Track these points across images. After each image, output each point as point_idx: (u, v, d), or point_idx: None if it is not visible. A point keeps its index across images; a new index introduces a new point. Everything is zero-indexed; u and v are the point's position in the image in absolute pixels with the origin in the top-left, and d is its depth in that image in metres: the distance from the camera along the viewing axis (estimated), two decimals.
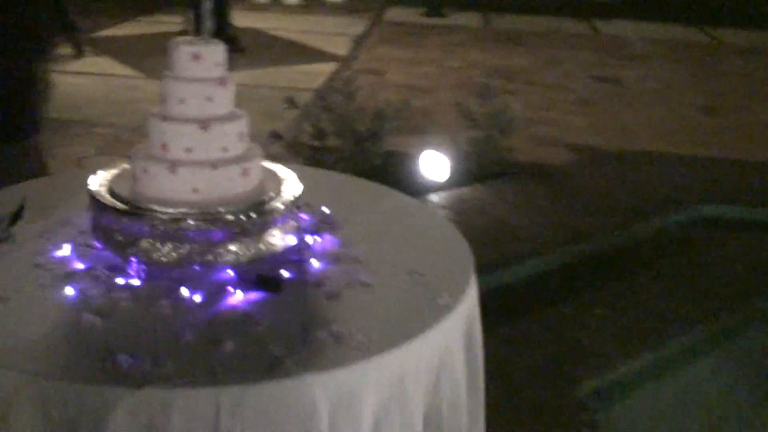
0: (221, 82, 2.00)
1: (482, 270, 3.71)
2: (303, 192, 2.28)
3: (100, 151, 5.73)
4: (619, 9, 12.87)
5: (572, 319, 3.62)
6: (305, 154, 4.81)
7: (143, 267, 1.94)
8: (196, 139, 1.96)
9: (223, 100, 2.01)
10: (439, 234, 2.36)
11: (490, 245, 3.96)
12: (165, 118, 1.98)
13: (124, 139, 5.88)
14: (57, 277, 1.93)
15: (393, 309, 1.90)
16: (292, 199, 2.09)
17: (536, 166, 5.41)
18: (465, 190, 4.62)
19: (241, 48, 9.06)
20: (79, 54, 3.80)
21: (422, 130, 6.32)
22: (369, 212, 2.46)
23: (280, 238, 2.08)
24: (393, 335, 1.79)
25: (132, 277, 1.93)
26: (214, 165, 1.97)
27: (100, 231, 2.00)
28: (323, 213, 2.36)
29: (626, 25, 12.02)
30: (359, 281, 2.01)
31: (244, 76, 8.03)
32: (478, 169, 4.95)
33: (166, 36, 9.41)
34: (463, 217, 4.24)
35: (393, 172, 4.77)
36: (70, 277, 1.91)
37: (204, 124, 1.96)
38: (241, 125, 2.04)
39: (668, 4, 13.13)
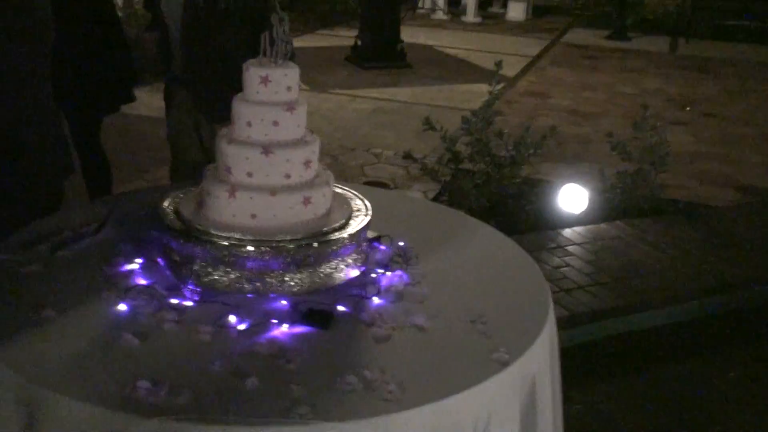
0: (289, 107, 1.95)
1: (606, 315, 3.51)
2: (385, 221, 2.21)
3: None
4: None
5: (700, 380, 3.27)
6: (439, 178, 4.71)
7: (197, 290, 1.93)
8: (258, 163, 1.92)
9: (290, 126, 1.96)
10: (523, 279, 2.18)
11: (620, 288, 3.67)
12: (231, 140, 1.96)
13: None
14: (117, 291, 1.95)
15: (439, 360, 1.77)
16: (356, 231, 2.00)
17: (692, 206, 4.99)
18: (604, 227, 4.33)
19: (407, 64, 9.12)
20: None
21: (574, 158, 6.05)
22: (452, 248, 2.33)
23: (340, 271, 2.00)
24: (430, 389, 1.65)
25: (185, 299, 1.93)
26: (273, 191, 1.92)
27: (164, 250, 2.01)
28: (399, 246, 2.26)
29: None
30: (414, 324, 1.89)
31: (405, 92, 8.07)
32: (624, 205, 4.63)
33: (338, 49, 9.73)
34: (596, 256, 3.96)
35: (528, 201, 4.56)
36: (129, 293, 1.93)
37: (267, 148, 1.92)
38: (308, 152, 1.97)
39: None
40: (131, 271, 2.06)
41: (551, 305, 2.06)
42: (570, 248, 4.00)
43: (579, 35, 12.28)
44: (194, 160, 3.47)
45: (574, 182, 4.66)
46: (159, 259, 2.04)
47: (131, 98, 3.95)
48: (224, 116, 3.15)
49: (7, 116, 2.40)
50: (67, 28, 2.68)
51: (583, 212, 4.51)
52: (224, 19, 3.14)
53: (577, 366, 3.09)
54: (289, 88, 1.96)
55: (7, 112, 2.40)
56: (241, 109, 1.95)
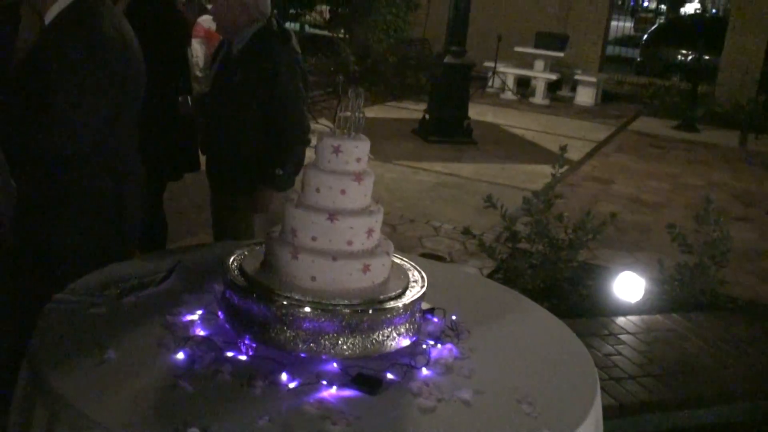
0: (357, 177, 2.04)
1: (655, 408, 3.45)
2: (440, 294, 2.26)
3: None
4: None
5: None
6: (496, 255, 4.74)
7: (253, 345, 2.00)
8: (323, 228, 2.00)
9: (357, 195, 2.04)
10: (573, 364, 2.20)
11: (671, 382, 3.61)
12: (299, 204, 2.05)
13: None
14: (177, 339, 2.03)
15: None
16: (410, 301, 2.06)
17: (752, 305, 4.90)
18: (659, 318, 4.28)
19: (473, 140, 9.24)
20: None
21: (633, 246, 6.01)
22: (503, 327, 2.36)
23: (393, 339, 2.04)
24: None
25: (241, 353, 1.99)
26: (335, 256, 1.99)
27: (225, 303, 2.09)
28: (452, 320, 2.30)
29: None
30: (460, 398, 1.92)
31: (469, 168, 8.17)
32: (681, 298, 4.58)
33: (405, 122, 9.93)
34: (649, 347, 3.92)
35: (584, 286, 4.55)
36: (188, 342, 2.01)
37: (332, 215, 2.00)
38: (371, 222, 2.05)
39: None
40: (192, 322, 2.14)
41: (599, 392, 2.07)
42: (623, 337, 3.96)
43: (647, 124, 12.28)
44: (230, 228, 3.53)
45: (631, 270, 4.64)
46: (219, 312, 2.12)
47: (195, 167, 4.06)
48: (229, 188, 3.37)
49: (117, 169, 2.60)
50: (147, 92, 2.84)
51: (638, 302, 4.47)
52: (235, 93, 3.27)
53: None
54: (358, 159, 2.05)
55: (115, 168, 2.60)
56: (311, 175, 2.04)
